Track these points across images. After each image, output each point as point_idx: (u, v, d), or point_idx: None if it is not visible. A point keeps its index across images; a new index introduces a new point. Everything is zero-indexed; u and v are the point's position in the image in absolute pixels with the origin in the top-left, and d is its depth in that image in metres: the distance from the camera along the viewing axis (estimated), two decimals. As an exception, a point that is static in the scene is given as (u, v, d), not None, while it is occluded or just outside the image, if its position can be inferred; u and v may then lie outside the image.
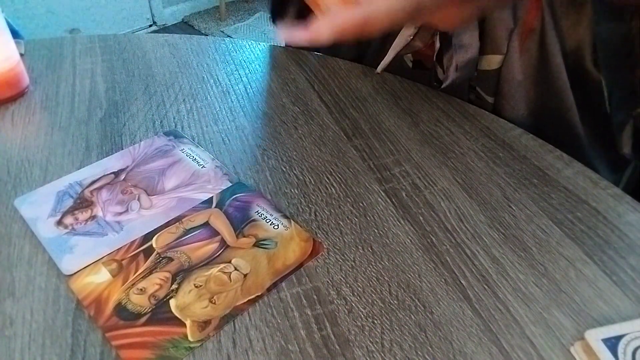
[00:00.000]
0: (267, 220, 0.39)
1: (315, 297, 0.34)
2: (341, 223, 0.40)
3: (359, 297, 0.34)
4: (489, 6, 0.42)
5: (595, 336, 0.31)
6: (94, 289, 0.34)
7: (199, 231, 0.38)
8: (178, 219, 0.39)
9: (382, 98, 0.54)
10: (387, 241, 0.38)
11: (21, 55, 0.55)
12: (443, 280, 0.36)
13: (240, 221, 0.39)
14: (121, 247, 0.37)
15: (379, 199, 0.42)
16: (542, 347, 0.32)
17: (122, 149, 0.46)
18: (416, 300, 0.34)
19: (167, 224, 0.39)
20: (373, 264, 0.37)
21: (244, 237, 0.38)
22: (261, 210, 0.40)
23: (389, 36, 0.51)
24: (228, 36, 2.49)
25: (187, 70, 0.58)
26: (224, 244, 0.37)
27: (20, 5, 2.05)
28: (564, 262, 0.37)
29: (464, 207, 0.41)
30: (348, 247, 0.38)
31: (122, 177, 0.43)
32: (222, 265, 0.36)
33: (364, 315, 0.33)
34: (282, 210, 0.40)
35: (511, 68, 0.50)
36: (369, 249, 0.38)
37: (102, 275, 0.35)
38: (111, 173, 0.43)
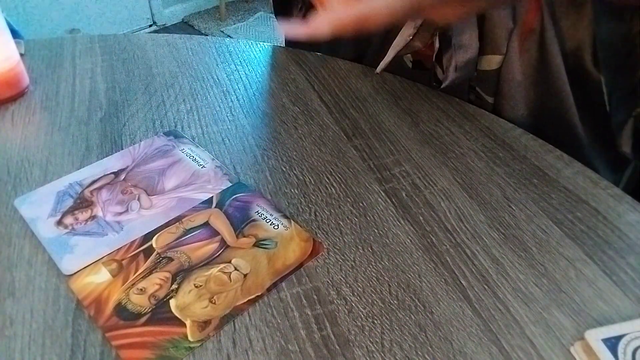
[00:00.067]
0: (267, 220, 0.39)
1: (315, 297, 0.34)
2: (341, 223, 0.40)
3: (359, 297, 0.34)
4: (489, 4, 0.42)
5: (595, 336, 0.31)
6: (94, 289, 0.34)
7: (199, 231, 0.38)
8: (178, 219, 0.39)
9: (382, 98, 0.54)
10: (387, 241, 0.38)
11: (21, 55, 0.55)
12: (443, 280, 0.36)
13: (240, 221, 0.39)
14: (121, 247, 0.37)
15: (379, 199, 0.42)
16: (542, 347, 0.32)
17: (122, 149, 0.46)
18: (416, 300, 0.34)
19: (167, 224, 0.39)
20: (373, 264, 0.37)
21: (244, 237, 0.38)
22: (261, 210, 0.40)
23: (388, 36, 0.51)
24: (228, 36, 2.49)
25: (187, 70, 0.58)
26: (224, 244, 0.37)
27: (20, 5, 2.05)
28: (564, 262, 0.37)
29: (464, 207, 0.41)
30: (348, 247, 0.38)
31: (122, 177, 0.43)
32: (222, 265, 0.36)
33: (364, 315, 0.33)
34: (282, 210, 0.40)
35: (511, 68, 0.50)
36: (369, 249, 0.38)
37: (102, 275, 0.35)
38: (111, 173, 0.43)
